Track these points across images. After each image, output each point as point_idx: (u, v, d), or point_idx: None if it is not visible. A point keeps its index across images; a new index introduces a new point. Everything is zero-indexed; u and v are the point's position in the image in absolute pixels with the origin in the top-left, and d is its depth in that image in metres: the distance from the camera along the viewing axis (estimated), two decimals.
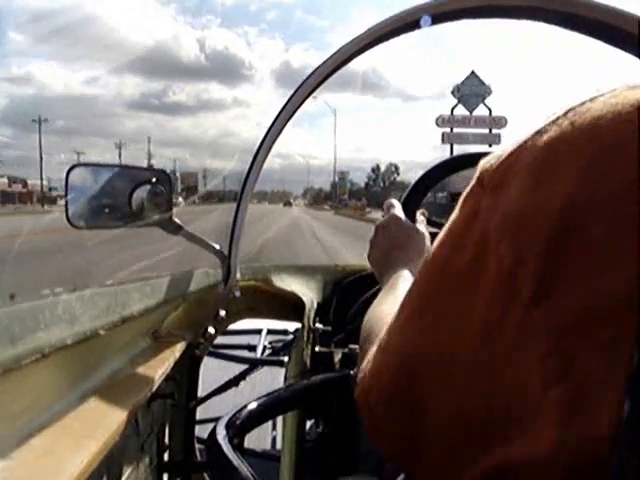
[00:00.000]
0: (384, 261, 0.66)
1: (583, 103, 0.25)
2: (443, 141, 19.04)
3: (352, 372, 0.75)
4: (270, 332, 1.62)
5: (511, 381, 0.23)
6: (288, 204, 62.89)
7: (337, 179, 60.97)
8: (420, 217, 0.76)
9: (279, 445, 1.36)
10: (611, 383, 0.21)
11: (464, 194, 0.28)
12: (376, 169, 66.30)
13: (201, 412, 1.19)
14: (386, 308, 0.51)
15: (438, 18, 0.79)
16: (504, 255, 0.24)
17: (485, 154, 0.28)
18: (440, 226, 0.29)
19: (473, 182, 0.28)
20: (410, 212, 0.75)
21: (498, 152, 0.27)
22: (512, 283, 0.24)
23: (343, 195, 57.00)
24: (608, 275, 0.21)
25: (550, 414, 0.22)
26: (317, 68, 0.87)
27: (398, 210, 0.72)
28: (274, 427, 1.52)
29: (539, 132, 0.25)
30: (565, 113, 0.25)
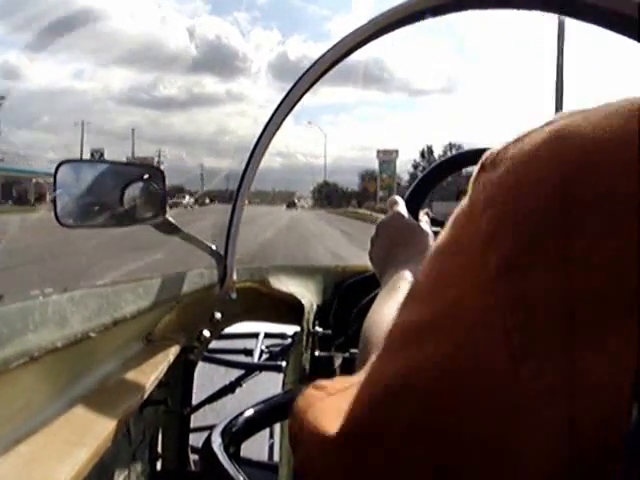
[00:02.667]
0: (385, 259, 0.66)
1: (599, 106, 0.25)
2: None
3: None
4: (267, 336, 1.61)
5: (476, 354, 0.24)
6: (292, 205, 51.97)
7: (380, 163, 42.47)
8: (424, 217, 0.76)
9: (276, 454, 1.36)
10: (572, 371, 0.22)
11: (470, 182, 0.29)
12: (427, 153, 47.86)
13: (195, 419, 1.19)
14: (387, 312, 0.51)
15: (441, 9, 0.79)
16: (485, 222, 0.25)
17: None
18: (444, 225, 0.30)
19: (477, 168, 0.28)
20: (413, 210, 0.75)
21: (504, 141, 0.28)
22: (485, 252, 0.24)
23: (385, 189, 39.79)
24: (591, 264, 0.22)
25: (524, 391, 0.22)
26: (317, 60, 0.87)
27: (401, 207, 0.72)
28: (271, 435, 1.52)
29: (548, 123, 0.26)
30: (581, 111, 0.26)
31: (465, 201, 0.28)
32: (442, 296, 0.26)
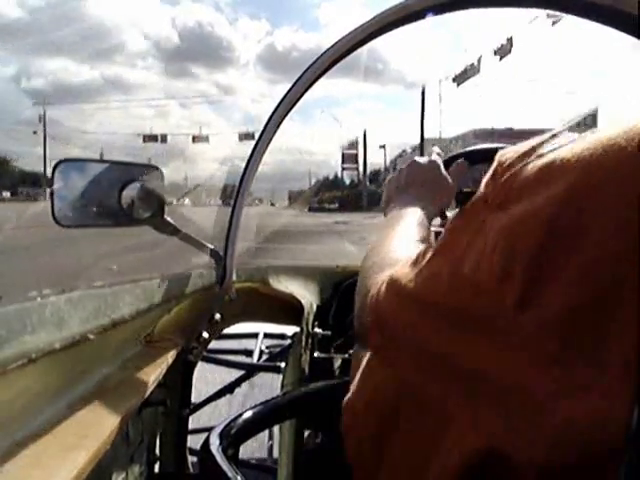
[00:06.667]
0: (400, 188, 0.69)
1: (584, 136, 0.27)
2: None
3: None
4: (267, 336, 1.62)
5: (510, 381, 0.27)
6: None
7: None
8: (435, 149, 0.78)
9: (276, 456, 1.36)
10: (598, 379, 0.24)
11: (468, 206, 0.32)
12: None
13: (194, 421, 1.19)
14: (387, 243, 0.53)
15: (442, 8, 0.80)
16: (496, 262, 0.27)
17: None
18: (469, 196, 0.32)
19: (477, 197, 0.31)
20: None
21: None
22: (501, 288, 0.27)
23: None
24: (592, 277, 0.24)
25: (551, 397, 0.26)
26: (319, 58, 0.88)
27: (440, 160, 0.75)
28: (270, 437, 1.52)
29: (540, 156, 0.28)
30: (567, 143, 0.28)
31: (468, 228, 0.31)
32: (466, 325, 0.29)
